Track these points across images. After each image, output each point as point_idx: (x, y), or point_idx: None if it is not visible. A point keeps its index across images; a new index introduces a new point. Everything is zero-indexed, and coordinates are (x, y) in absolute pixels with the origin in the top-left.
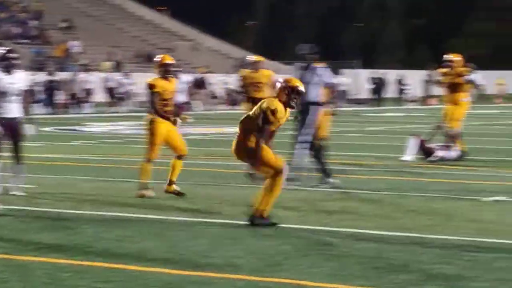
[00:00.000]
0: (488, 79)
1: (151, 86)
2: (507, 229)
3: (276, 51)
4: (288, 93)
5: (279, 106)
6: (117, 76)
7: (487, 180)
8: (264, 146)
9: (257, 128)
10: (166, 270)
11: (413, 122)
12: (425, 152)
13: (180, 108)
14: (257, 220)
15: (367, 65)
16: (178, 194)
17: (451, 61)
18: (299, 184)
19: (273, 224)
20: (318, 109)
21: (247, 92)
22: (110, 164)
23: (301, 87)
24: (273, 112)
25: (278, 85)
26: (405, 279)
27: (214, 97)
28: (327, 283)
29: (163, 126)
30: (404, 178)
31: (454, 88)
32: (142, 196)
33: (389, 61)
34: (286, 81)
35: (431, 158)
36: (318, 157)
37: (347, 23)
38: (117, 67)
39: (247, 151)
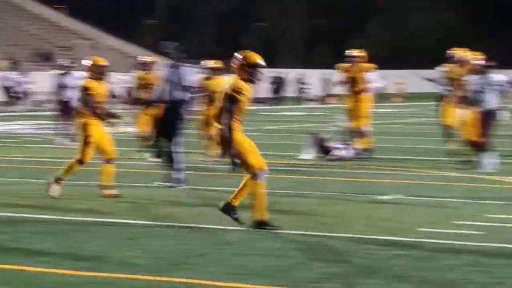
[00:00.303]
0: (388, 79)
1: (85, 88)
2: (404, 227)
3: None
4: (248, 70)
5: (243, 85)
6: (14, 75)
7: (384, 178)
8: (250, 144)
9: (225, 110)
10: (63, 271)
11: (312, 121)
12: (324, 150)
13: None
14: (227, 208)
15: (267, 64)
16: (116, 196)
17: (353, 56)
18: (186, 184)
19: (236, 219)
20: (184, 107)
21: (138, 93)
22: (7, 164)
23: (260, 60)
24: (239, 92)
25: (236, 62)
26: (304, 277)
27: (113, 96)
28: (226, 282)
29: (97, 128)
30: (303, 177)
31: (355, 83)
32: (107, 196)
33: (289, 60)
34: (244, 58)
35: (330, 157)
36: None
37: (248, 23)
38: (15, 66)
39: (223, 140)
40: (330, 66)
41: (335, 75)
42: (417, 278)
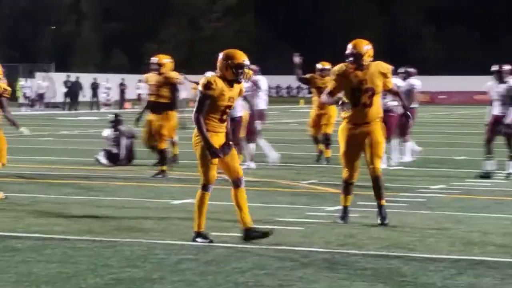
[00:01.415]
0: (185, 84)
1: None
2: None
3: None
4: (235, 70)
5: (215, 80)
6: None
7: (177, 183)
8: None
9: (196, 105)
10: None
11: (107, 126)
12: (109, 156)
13: None
14: (249, 235)
15: (62, 68)
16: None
17: (159, 64)
18: None
19: (261, 235)
20: None
21: None
22: None
23: (245, 59)
24: (208, 87)
25: (219, 62)
26: (92, 283)
27: None
28: None
29: None
30: (95, 182)
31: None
32: None
33: (84, 64)
34: (228, 57)
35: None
36: None
37: (40, 26)
38: None
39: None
40: (126, 70)
41: (132, 79)
42: (204, 282)
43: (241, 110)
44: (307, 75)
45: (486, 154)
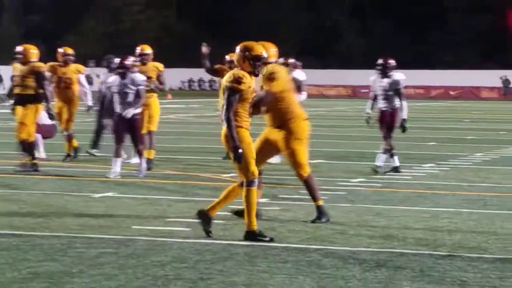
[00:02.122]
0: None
1: None
2: (114, 224)
3: None
4: (253, 62)
5: (244, 74)
6: None
7: (97, 176)
8: (250, 146)
9: (225, 103)
10: None
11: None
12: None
13: None
14: (250, 238)
15: None
16: None
17: (23, 53)
18: None
19: (208, 232)
20: None
21: None
22: None
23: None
24: (238, 81)
25: (237, 54)
26: (9, 278)
27: None
28: None
29: None
30: (13, 176)
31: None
32: None
33: (4, 57)
34: (246, 49)
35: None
36: None
37: None
38: None
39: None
40: (46, 62)
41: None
42: (124, 275)
43: None
44: (216, 66)
45: (387, 150)
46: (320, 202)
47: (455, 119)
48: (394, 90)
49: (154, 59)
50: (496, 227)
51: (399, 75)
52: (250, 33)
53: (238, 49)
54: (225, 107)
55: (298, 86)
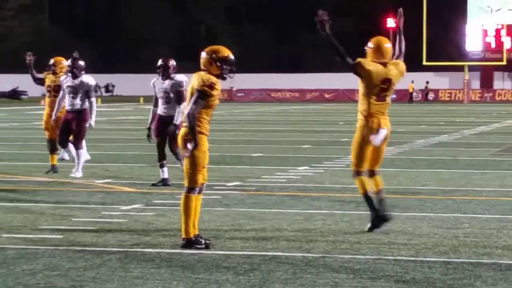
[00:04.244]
0: None
1: None
2: None
3: None
4: (220, 64)
5: (217, 81)
6: None
7: None
8: (205, 154)
9: (193, 102)
10: None
11: None
12: None
13: None
14: (187, 246)
15: None
16: None
17: None
18: None
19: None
20: None
21: None
22: None
23: (231, 56)
24: (211, 87)
25: (204, 57)
26: None
27: None
28: None
29: None
30: None
31: None
32: None
33: None
34: (213, 52)
35: None
36: None
37: None
38: None
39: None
40: None
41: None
42: None
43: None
44: (42, 75)
45: (160, 161)
46: None
47: (330, 122)
48: (176, 92)
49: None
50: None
51: (180, 76)
52: (122, 37)
53: (204, 53)
54: (192, 105)
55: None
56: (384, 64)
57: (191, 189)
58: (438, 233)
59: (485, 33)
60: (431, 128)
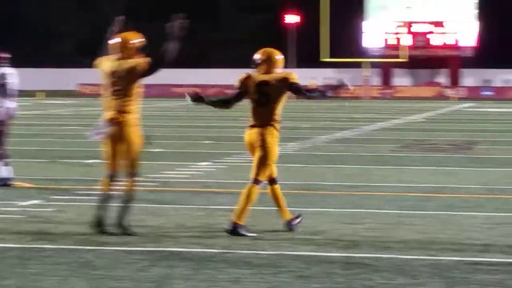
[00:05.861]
0: None
1: None
2: None
3: None
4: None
5: None
6: None
7: None
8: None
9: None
10: None
11: None
12: None
13: None
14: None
15: None
16: None
17: None
18: None
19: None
20: None
21: None
22: None
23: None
24: None
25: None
26: None
27: None
28: None
29: None
30: None
31: None
32: None
33: None
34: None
35: None
36: None
37: None
38: None
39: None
40: None
41: None
42: None
43: None
44: None
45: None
46: None
47: (231, 117)
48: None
49: None
50: (272, 223)
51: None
52: (23, 31)
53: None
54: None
55: None
56: None
57: (258, 181)
58: (339, 228)
59: (383, 30)
60: (333, 124)
